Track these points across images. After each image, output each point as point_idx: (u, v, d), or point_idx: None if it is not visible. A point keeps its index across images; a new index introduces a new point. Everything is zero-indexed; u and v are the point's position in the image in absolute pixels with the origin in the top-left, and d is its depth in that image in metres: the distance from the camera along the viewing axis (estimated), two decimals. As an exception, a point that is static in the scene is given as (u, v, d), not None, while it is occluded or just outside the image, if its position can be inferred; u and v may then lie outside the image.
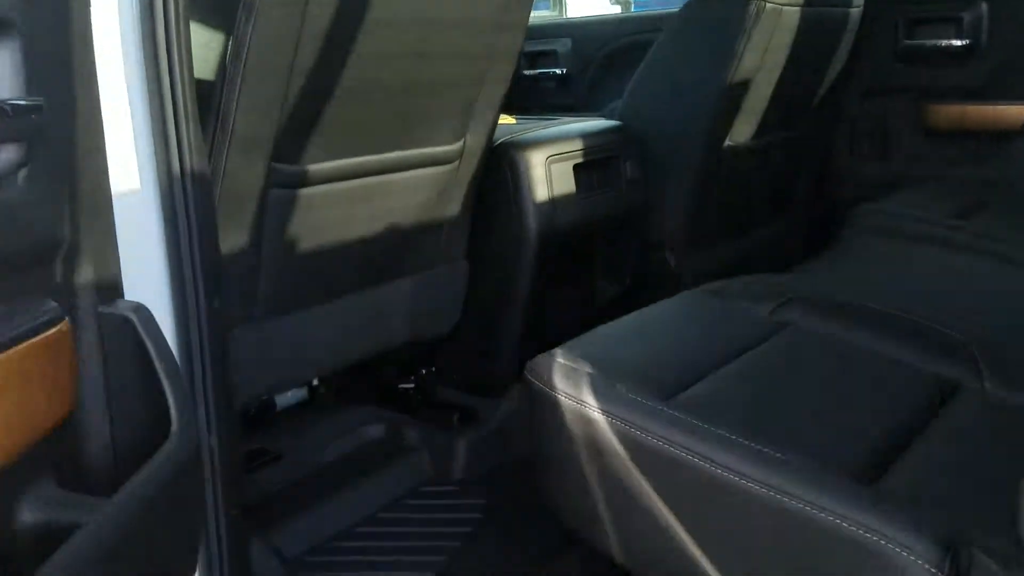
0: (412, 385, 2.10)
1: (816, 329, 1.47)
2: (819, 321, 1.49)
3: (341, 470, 1.94)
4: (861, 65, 2.71)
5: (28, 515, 0.89)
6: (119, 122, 1.06)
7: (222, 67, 1.30)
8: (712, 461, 1.01)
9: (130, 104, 1.07)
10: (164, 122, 1.07)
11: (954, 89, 2.60)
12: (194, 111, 1.11)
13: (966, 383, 1.36)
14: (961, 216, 2.20)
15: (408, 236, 1.81)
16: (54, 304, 0.86)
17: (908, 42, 2.64)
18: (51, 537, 0.86)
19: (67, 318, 0.87)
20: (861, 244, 2.01)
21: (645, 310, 1.51)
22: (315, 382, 2.08)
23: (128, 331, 1.00)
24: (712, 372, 1.29)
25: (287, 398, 2.06)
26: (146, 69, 1.06)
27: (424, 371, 2.10)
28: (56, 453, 0.94)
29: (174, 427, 0.98)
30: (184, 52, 1.08)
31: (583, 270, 2.24)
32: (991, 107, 2.52)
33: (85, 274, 0.97)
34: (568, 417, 1.16)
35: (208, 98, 1.29)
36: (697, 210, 2.29)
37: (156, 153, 1.08)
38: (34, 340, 0.81)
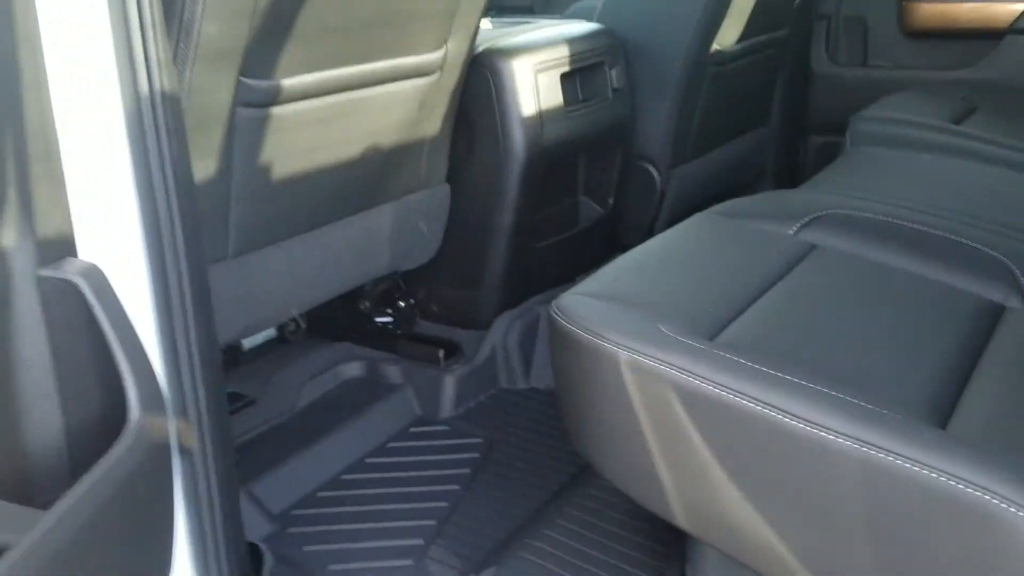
0: (390, 319, 1.95)
1: (847, 250, 1.37)
2: (848, 241, 1.39)
3: (320, 413, 1.81)
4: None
5: None
6: (69, 36, 0.86)
7: (183, -36, 1.09)
8: (787, 412, 0.91)
9: (82, 12, 0.87)
10: (128, 33, 0.87)
11: (938, -14, 2.48)
12: (160, 18, 0.92)
13: (1009, 304, 1.29)
14: (956, 122, 2.11)
15: (387, 158, 1.64)
16: None
17: (889, -66, 2.50)
18: None
19: None
20: (865, 155, 1.91)
21: (662, 237, 1.39)
22: (284, 319, 1.91)
23: (74, 299, 0.83)
24: (750, 304, 1.18)
25: (254, 338, 1.90)
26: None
27: (403, 304, 1.95)
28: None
29: (133, 415, 0.83)
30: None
31: (566, 190, 2.09)
32: (977, 4, 2.41)
33: (19, 231, 0.79)
34: (609, 363, 1.03)
35: (169, 2, 1.09)
36: (682, 120, 2.16)
37: (120, 73, 0.88)
38: None
